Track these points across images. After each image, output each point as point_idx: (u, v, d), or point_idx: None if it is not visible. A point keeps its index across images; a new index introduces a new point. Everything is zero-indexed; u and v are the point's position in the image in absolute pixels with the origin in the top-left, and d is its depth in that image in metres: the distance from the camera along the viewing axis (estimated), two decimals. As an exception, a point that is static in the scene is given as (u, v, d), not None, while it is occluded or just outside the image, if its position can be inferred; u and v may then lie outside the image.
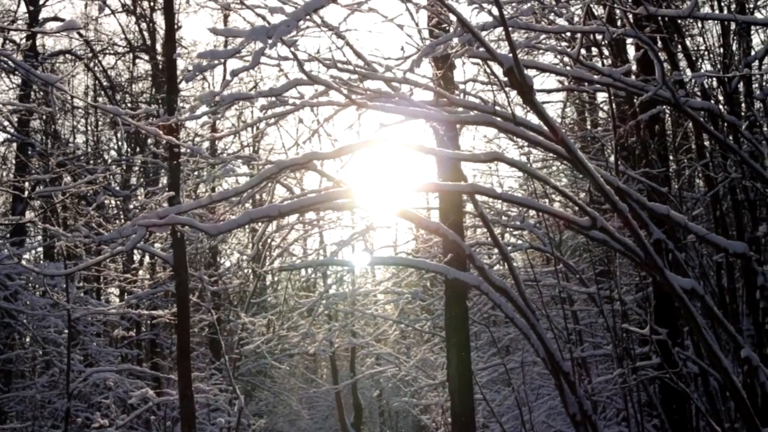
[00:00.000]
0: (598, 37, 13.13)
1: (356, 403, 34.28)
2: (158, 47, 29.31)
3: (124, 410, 20.66)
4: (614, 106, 11.01)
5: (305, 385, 37.17)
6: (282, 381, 35.48)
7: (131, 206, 25.92)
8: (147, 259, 28.50)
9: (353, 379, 31.58)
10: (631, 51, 13.78)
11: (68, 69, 30.91)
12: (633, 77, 10.26)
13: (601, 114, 19.34)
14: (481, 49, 7.33)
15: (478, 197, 12.17)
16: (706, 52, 13.15)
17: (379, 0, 8.62)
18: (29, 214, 23.29)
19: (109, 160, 31.09)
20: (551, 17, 9.45)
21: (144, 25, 31.70)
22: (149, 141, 27.76)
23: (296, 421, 37.02)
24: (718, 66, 11.71)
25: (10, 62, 16.05)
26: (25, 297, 21.43)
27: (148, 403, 19.11)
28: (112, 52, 33.29)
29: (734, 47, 11.43)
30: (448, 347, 14.00)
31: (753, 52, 11.14)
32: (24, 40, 23.88)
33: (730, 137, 10.58)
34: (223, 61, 7.76)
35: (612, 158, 10.34)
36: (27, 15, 26.97)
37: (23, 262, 22.31)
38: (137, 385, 19.93)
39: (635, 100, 9.98)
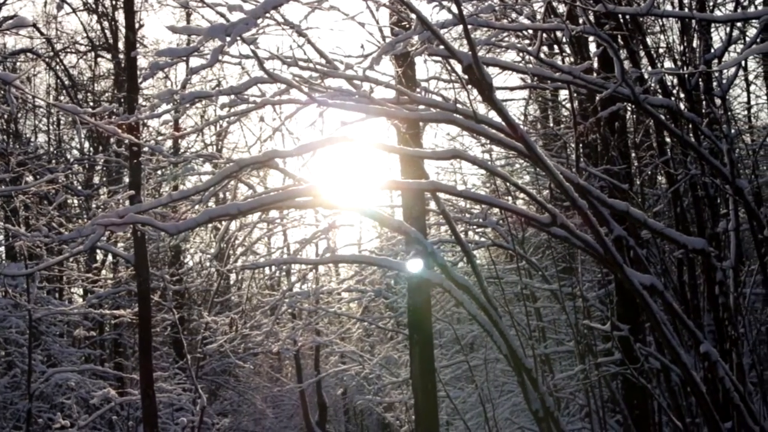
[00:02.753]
0: (559, 34, 13.19)
1: (321, 401, 34.26)
2: (120, 46, 29.21)
3: (87, 411, 20.54)
4: (576, 103, 11.04)
5: (270, 383, 37.09)
6: (246, 380, 35.39)
7: (93, 206, 25.79)
8: (110, 258, 28.37)
9: (317, 377, 31.55)
10: (593, 49, 13.84)
11: (29, 68, 30.74)
12: (595, 75, 10.30)
13: (564, 111, 19.41)
14: (442, 47, 7.33)
15: (442, 195, 12.19)
16: (667, 50, 13.23)
17: (340, -2, 8.62)
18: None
19: (71, 159, 30.92)
20: (513, 15, 9.47)
21: (106, 24, 31.57)
22: (111, 140, 27.59)
23: (261, 420, 36.91)
24: (679, 63, 11.77)
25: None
26: (-15, 298, 21.26)
27: (111, 403, 19.01)
28: (73, 50, 33.11)
29: (695, 44, 11.50)
30: (411, 345, 13.98)
31: (713, 50, 11.21)
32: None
33: (691, 134, 10.64)
34: (185, 59, 7.74)
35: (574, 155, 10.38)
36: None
37: (-17, 263, 22.13)
38: (100, 386, 19.85)
39: (597, 98, 10.03)
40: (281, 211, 16.65)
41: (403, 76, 9.23)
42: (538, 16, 9.74)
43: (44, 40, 31.26)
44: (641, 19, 11.38)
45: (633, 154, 14.26)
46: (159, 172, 17.64)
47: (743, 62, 12.68)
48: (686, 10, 11.09)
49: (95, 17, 32.12)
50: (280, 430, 38.88)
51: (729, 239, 10.99)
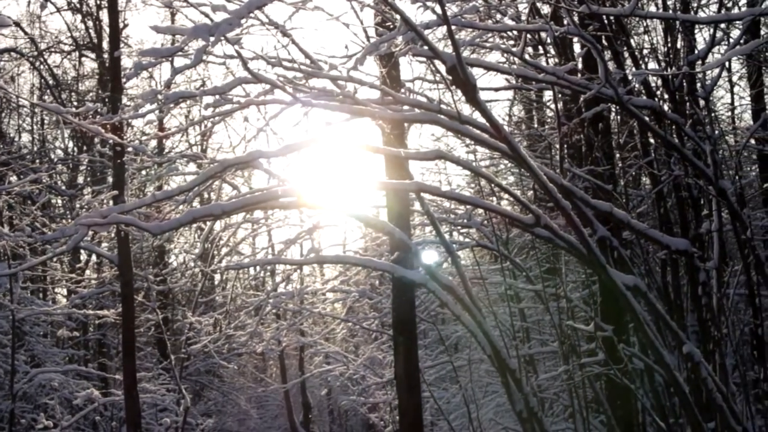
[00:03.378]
0: (544, 35, 13.19)
1: (305, 402, 34.26)
2: (105, 45, 29.10)
3: (70, 411, 20.49)
4: (560, 104, 11.04)
5: (254, 384, 37.08)
6: (231, 380, 35.39)
7: (77, 206, 25.73)
8: (94, 258, 28.31)
9: (302, 378, 31.55)
10: (578, 50, 13.84)
11: (13, 67, 30.67)
12: (579, 75, 10.31)
13: (548, 112, 19.43)
14: (426, 48, 7.33)
15: (426, 196, 12.18)
16: (650, 51, 13.25)
17: (324, -2, 8.61)
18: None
19: (55, 159, 30.85)
20: (497, 16, 9.48)
21: (90, 23, 31.47)
22: (95, 140, 27.53)
23: (245, 420, 36.91)
24: (663, 64, 11.79)
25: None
26: (-32, 298, 21.17)
27: (94, 403, 18.98)
28: (57, 50, 33.01)
29: (679, 45, 11.51)
30: (396, 345, 13.99)
31: (697, 51, 11.22)
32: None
33: (674, 135, 10.66)
34: (169, 59, 7.71)
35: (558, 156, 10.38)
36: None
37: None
38: (83, 386, 19.81)
39: (581, 99, 10.03)
40: (265, 211, 16.64)
41: (388, 76, 9.23)
42: (523, 17, 9.74)
43: (28, 39, 31.18)
44: (625, 20, 11.40)
45: (617, 155, 14.27)
46: (143, 172, 17.59)
47: (727, 63, 12.70)
48: (670, 11, 11.12)
49: (79, 17, 32.02)
50: (265, 430, 38.88)
51: (712, 240, 11.01)
